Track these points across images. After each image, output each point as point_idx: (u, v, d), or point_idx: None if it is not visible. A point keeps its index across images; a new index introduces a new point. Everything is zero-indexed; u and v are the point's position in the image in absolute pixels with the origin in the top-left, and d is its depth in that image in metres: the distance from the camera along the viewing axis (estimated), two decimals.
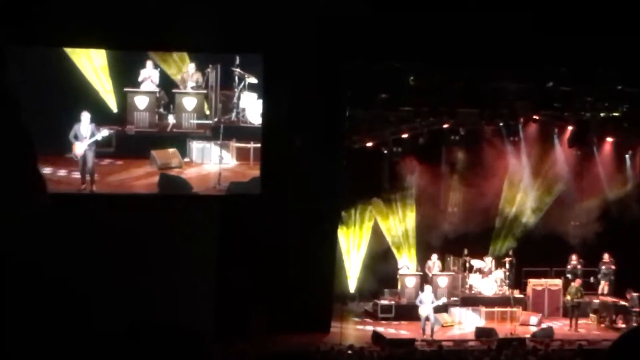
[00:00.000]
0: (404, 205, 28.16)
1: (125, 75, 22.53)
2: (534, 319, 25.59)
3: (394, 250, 27.81)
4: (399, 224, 28.10)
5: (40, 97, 21.15)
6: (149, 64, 22.41)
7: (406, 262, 27.16)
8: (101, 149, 22.39)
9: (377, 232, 27.88)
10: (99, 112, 22.34)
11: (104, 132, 22.37)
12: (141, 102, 22.81)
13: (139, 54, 22.55)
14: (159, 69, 22.41)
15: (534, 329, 24.65)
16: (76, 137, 22.41)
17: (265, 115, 22.22)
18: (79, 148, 22.25)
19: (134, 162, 22.77)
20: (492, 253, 28.16)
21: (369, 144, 26.89)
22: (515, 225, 28.83)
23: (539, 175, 28.86)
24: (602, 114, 27.06)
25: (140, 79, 22.48)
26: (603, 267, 27.33)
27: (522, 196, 28.92)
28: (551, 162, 28.87)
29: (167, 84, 22.55)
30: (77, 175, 22.32)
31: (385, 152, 27.27)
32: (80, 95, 22.39)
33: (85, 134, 22.36)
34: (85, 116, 22.33)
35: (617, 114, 27.05)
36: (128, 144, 22.67)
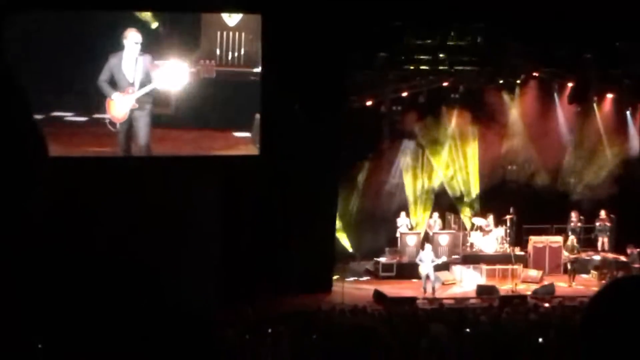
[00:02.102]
0: (407, 162, 28.20)
1: None
2: (532, 272, 25.67)
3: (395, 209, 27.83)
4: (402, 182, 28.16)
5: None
6: None
7: (404, 220, 27.16)
8: (161, 109, 18.41)
9: (375, 191, 27.88)
10: (147, 37, 18.32)
11: (169, 71, 16.71)
12: (232, 21, 19.41)
13: None
14: None
15: (535, 286, 24.72)
16: (112, 83, 17.56)
17: (264, 75, 22.13)
18: (120, 106, 17.58)
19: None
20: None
21: (369, 103, 26.83)
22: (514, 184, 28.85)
23: (539, 133, 28.79)
24: (602, 72, 26.96)
25: None
26: (598, 223, 27.39)
27: (523, 155, 28.87)
28: (551, 119, 28.82)
29: None
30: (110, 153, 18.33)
31: (385, 111, 27.24)
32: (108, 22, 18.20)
33: (134, 75, 17.21)
34: (132, 37, 17.31)
35: (617, 71, 26.94)
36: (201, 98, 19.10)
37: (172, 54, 20.32)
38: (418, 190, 28.23)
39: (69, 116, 18.60)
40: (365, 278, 26.29)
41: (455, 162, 28.55)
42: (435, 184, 28.46)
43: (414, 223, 27.71)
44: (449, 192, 28.49)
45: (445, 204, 28.28)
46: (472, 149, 28.48)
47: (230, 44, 21.40)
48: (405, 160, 28.28)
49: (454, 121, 28.26)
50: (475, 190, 28.61)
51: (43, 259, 19.01)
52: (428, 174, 28.39)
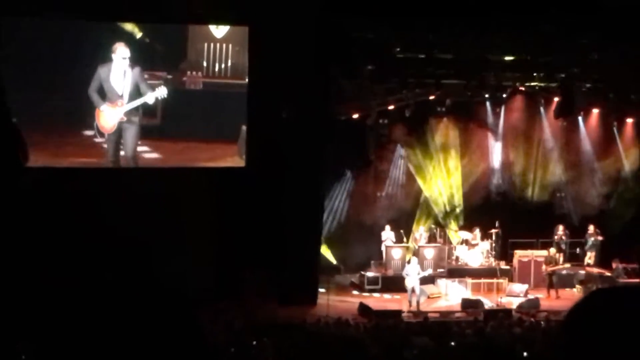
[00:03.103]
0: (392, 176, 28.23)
1: None
2: (517, 287, 25.67)
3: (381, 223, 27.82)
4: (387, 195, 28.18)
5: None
6: None
7: (389, 234, 27.08)
8: (148, 120, 18.43)
9: (362, 203, 27.88)
10: (135, 49, 18.23)
11: (161, 90, 16.96)
12: (219, 33, 19.54)
13: None
14: None
15: (520, 300, 24.72)
16: (102, 94, 17.49)
17: (251, 87, 22.12)
18: (109, 117, 17.59)
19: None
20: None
21: (355, 116, 26.84)
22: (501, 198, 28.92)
23: (526, 147, 28.89)
24: (588, 85, 27.06)
25: None
26: (591, 238, 27.38)
27: (510, 168, 28.96)
28: (537, 133, 28.91)
29: None
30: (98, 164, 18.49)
31: (371, 123, 27.27)
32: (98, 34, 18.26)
33: (123, 88, 17.32)
34: (120, 52, 17.45)
35: (602, 85, 27.03)
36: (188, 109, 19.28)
37: (158, 65, 20.31)
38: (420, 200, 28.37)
39: (58, 124, 18.53)
40: (350, 291, 26.24)
41: (439, 176, 28.62)
42: (425, 195, 28.55)
43: (410, 235, 27.69)
44: (433, 206, 28.53)
45: (431, 216, 28.32)
46: (456, 163, 28.55)
47: (217, 56, 21.40)
48: (398, 172, 28.32)
49: (439, 135, 28.33)
50: (459, 204, 28.67)
51: (29, 266, 18.92)
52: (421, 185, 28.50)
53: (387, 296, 25.35)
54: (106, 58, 19.14)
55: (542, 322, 21.01)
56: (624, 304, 2.01)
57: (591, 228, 27.47)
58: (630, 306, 2.00)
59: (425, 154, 28.39)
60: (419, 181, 28.49)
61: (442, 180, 28.66)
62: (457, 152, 28.48)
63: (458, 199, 28.63)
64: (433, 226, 28.06)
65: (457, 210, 28.59)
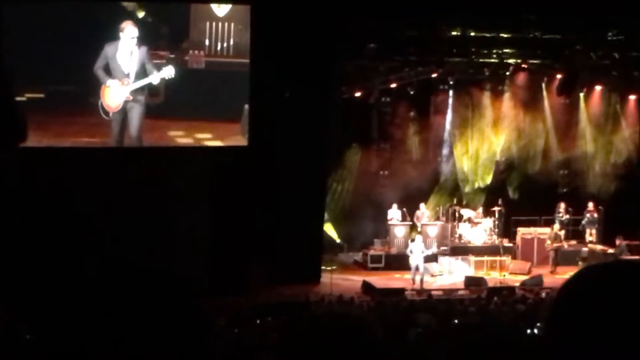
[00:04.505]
0: (394, 154, 28.20)
1: None
2: (520, 263, 25.78)
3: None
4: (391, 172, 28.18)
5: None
6: None
7: (395, 213, 27.03)
8: (151, 99, 18.25)
9: (364, 182, 27.87)
10: (138, 28, 18.02)
11: (168, 70, 16.77)
12: (221, 11, 19.24)
13: None
14: None
15: (523, 278, 24.75)
16: (108, 72, 17.21)
17: (253, 66, 22.09)
18: (115, 95, 17.28)
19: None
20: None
21: (358, 94, 26.82)
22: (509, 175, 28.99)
23: (528, 124, 28.85)
24: (591, 63, 27.00)
25: None
26: (588, 215, 27.40)
27: (512, 145, 28.94)
28: (539, 111, 28.87)
29: None
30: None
31: (374, 102, 27.27)
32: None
33: (130, 67, 17.06)
34: (128, 32, 17.09)
35: (606, 62, 26.97)
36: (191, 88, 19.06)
37: (161, 44, 20.29)
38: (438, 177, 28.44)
39: (62, 104, 18.50)
40: (354, 268, 26.25)
41: (477, 150, 28.74)
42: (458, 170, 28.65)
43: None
44: (463, 183, 28.59)
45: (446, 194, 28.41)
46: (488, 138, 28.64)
47: (220, 35, 21.36)
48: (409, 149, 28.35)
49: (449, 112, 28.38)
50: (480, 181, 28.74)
51: (31, 249, 18.97)
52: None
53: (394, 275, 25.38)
54: (113, 37, 19.10)
55: (545, 299, 21.05)
56: (614, 281, 2.01)
57: (590, 205, 27.46)
58: (620, 283, 2.00)
59: (428, 130, 28.43)
60: (457, 155, 28.54)
61: (477, 155, 28.71)
62: (490, 127, 28.52)
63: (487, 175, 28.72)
64: (439, 207, 27.97)
65: (482, 186, 28.67)
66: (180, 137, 21.66)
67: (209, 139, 22.28)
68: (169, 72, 17.90)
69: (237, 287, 21.25)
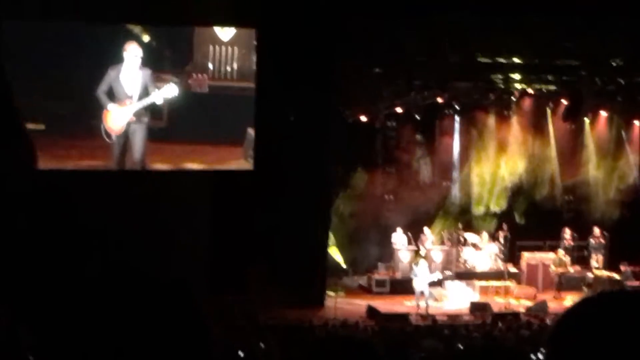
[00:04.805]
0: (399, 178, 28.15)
1: None
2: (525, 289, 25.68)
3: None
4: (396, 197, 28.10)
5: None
6: None
7: (400, 237, 26.92)
8: (154, 122, 18.25)
9: (370, 206, 27.81)
10: (142, 51, 18.22)
11: (171, 89, 16.64)
12: (225, 35, 19.30)
13: None
14: None
15: (528, 304, 24.65)
16: (110, 95, 17.08)
17: (259, 89, 22.11)
18: (117, 118, 16.96)
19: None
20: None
21: (363, 119, 26.81)
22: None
23: (533, 150, 28.81)
24: (596, 88, 27.00)
25: None
26: (592, 241, 27.30)
27: (520, 170, 28.87)
28: (545, 136, 28.83)
29: None
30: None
31: (379, 126, 27.26)
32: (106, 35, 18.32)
33: (133, 88, 16.71)
34: (132, 50, 17.16)
35: (611, 88, 26.97)
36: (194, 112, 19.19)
37: (165, 68, 20.32)
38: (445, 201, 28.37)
39: (63, 127, 18.52)
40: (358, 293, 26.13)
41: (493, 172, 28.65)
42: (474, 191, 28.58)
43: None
44: (474, 205, 28.49)
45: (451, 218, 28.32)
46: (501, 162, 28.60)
47: (223, 59, 21.39)
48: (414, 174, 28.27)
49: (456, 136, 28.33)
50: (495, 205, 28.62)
51: (33, 271, 18.92)
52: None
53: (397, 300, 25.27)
54: (117, 60, 19.16)
55: (550, 326, 20.95)
56: (611, 313, 2.00)
57: (596, 231, 27.36)
58: (618, 315, 1.98)
59: (433, 154, 28.41)
60: (464, 179, 28.48)
61: (493, 180, 28.63)
62: (496, 151, 28.46)
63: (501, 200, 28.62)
64: (443, 231, 27.87)
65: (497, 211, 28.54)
66: (183, 161, 21.62)
67: (211, 163, 22.25)
68: (172, 91, 17.80)
69: (238, 311, 21.16)
